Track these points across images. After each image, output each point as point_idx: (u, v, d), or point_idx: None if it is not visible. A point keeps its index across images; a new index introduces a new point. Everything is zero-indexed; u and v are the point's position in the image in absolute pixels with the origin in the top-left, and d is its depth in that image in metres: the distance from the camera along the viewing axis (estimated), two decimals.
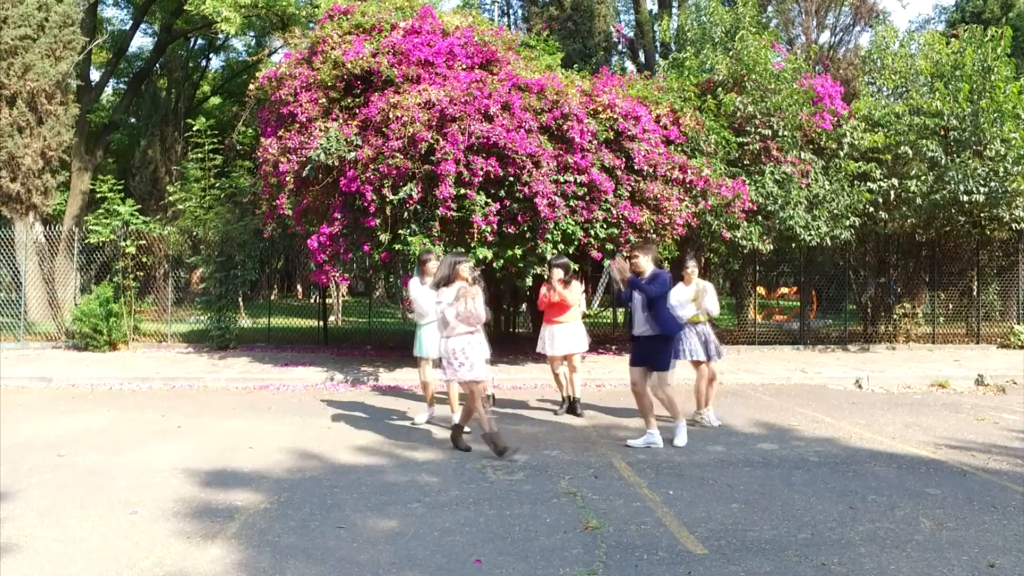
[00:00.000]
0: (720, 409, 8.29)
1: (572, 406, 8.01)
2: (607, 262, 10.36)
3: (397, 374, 10.43)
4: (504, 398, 9.00)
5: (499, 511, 4.70)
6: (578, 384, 8.06)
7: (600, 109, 10.46)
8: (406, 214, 9.86)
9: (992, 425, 7.58)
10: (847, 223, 12.77)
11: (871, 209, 13.19)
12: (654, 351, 6.38)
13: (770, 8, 22.74)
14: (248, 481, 5.33)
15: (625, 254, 7.20)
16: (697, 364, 7.48)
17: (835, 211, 12.61)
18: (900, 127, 13.47)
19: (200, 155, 14.92)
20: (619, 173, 10.30)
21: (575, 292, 7.96)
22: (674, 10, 24.72)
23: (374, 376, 10.39)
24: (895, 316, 15.26)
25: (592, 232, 10.22)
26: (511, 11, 30.06)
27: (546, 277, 8.17)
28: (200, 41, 29.40)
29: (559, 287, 7.83)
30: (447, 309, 6.12)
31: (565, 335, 7.84)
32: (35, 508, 4.69)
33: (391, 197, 9.64)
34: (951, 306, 16.09)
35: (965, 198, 12.71)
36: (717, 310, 7.51)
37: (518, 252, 10.00)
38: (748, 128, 12.48)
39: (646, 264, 6.41)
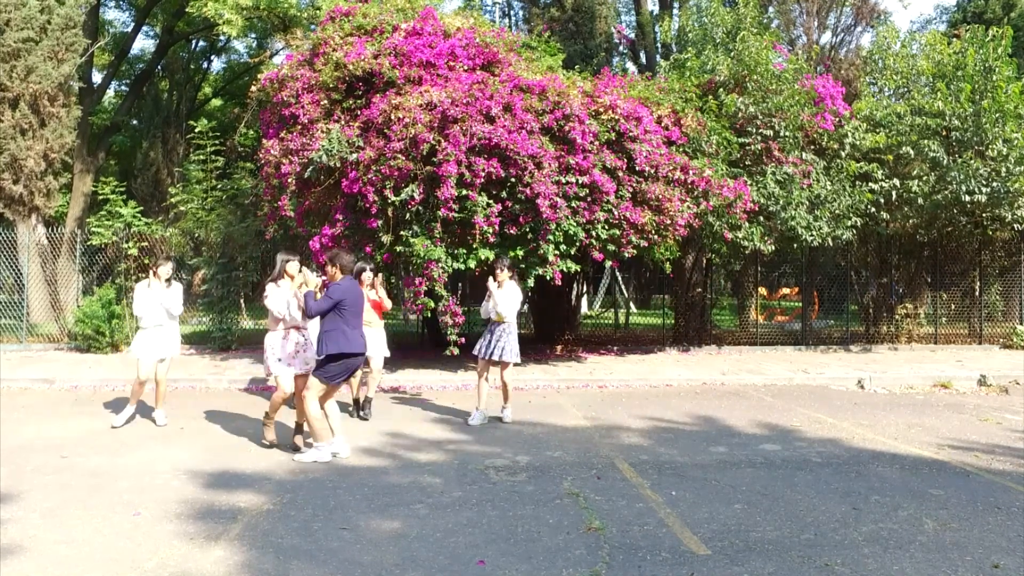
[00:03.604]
0: (722, 410, 8.30)
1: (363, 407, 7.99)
2: (609, 263, 10.36)
3: (398, 375, 10.43)
4: None
5: (502, 512, 4.70)
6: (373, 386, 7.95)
7: (602, 110, 10.46)
8: (408, 215, 9.87)
9: (995, 426, 7.57)
10: (849, 223, 12.76)
11: (873, 209, 13.19)
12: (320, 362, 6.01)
13: (771, 9, 22.70)
14: (251, 482, 5.33)
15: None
16: (492, 363, 7.42)
17: (837, 211, 12.61)
18: (902, 127, 13.47)
19: (202, 157, 14.92)
20: (621, 174, 10.30)
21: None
22: (675, 11, 24.69)
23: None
24: (897, 316, 15.25)
25: (594, 233, 10.22)
26: (512, 12, 30.08)
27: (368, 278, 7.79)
28: (202, 43, 29.41)
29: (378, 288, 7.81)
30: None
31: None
32: (38, 510, 4.69)
33: (393, 198, 9.65)
34: (953, 306, 16.08)
35: (967, 198, 12.70)
36: (506, 312, 7.37)
37: (520, 253, 10.00)
38: (749, 129, 12.48)
39: (333, 274, 6.05)
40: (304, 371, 6.38)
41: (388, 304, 8.07)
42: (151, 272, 7.36)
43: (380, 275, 8.29)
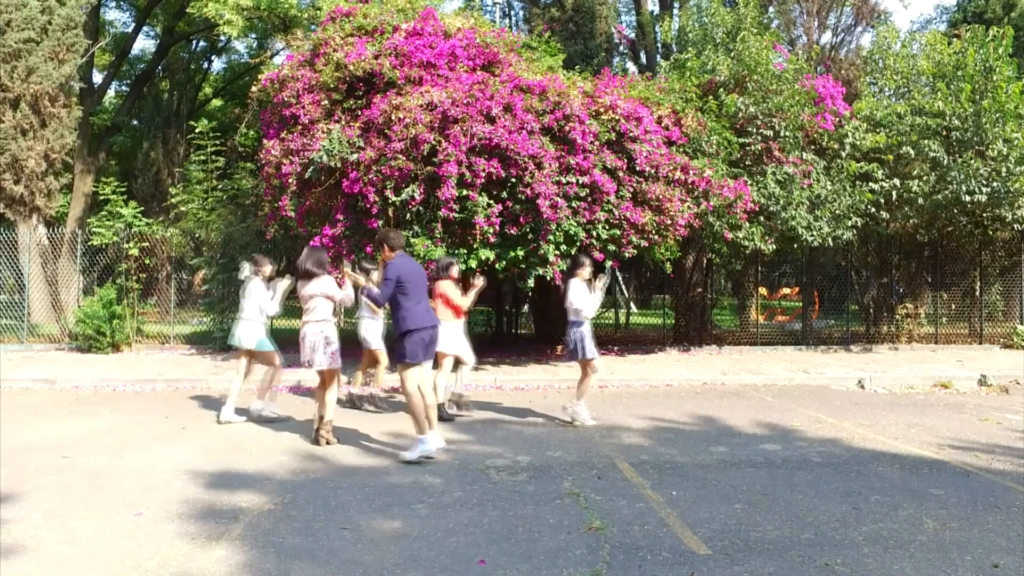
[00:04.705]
0: (722, 410, 8.31)
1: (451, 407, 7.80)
2: (609, 263, 10.38)
3: (397, 375, 10.44)
4: (507, 399, 9.02)
5: (502, 512, 4.71)
6: (442, 385, 7.71)
7: (602, 110, 10.46)
8: (408, 215, 9.88)
9: (995, 425, 7.57)
10: (849, 223, 12.77)
11: (873, 209, 13.20)
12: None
13: (771, 9, 22.71)
14: (252, 482, 5.34)
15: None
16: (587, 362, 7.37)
17: (837, 211, 12.62)
18: (902, 127, 13.48)
19: (202, 157, 14.94)
20: (621, 174, 10.31)
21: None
22: (675, 11, 24.69)
23: (375, 377, 10.38)
24: (897, 316, 15.25)
25: (594, 233, 10.23)
26: (513, 12, 30.06)
27: (448, 276, 7.85)
28: (202, 43, 29.39)
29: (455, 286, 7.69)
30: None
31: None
32: (40, 510, 4.70)
33: (393, 199, 9.66)
34: (954, 306, 16.08)
35: (967, 198, 12.71)
36: (587, 310, 7.30)
37: (520, 253, 10.01)
38: (750, 129, 12.49)
39: (387, 255, 5.97)
40: (331, 367, 6.51)
41: (465, 305, 7.92)
42: (258, 271, 7.60)
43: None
